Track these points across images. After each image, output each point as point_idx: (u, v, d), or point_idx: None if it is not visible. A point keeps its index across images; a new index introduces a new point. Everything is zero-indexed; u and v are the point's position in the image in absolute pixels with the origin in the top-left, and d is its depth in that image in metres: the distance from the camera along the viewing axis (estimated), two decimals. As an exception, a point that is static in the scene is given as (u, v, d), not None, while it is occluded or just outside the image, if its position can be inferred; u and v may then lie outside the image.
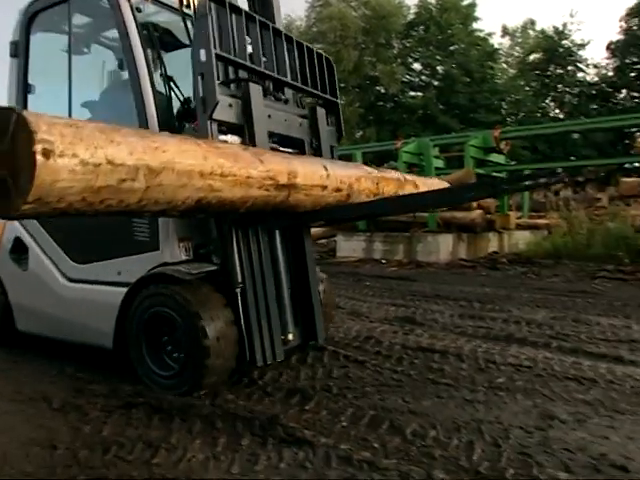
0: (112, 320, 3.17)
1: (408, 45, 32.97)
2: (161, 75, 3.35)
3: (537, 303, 5.62)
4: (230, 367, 2.97)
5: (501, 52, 35.60)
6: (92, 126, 1.95)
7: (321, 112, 3.66)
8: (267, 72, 3.27)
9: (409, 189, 3.93)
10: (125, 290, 3.10)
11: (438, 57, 30.91)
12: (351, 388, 3.00)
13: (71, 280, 3.51)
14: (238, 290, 2.98)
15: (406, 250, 9.67)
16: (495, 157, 10.91)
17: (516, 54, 36.48)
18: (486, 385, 3.09)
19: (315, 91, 3.64)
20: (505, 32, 37.53)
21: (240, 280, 2.98)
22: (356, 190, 3.27)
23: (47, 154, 1.72)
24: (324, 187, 2.99)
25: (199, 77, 2.88)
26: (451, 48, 30.95)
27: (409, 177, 4.23)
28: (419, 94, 30.42)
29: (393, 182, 3.77)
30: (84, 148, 1.83)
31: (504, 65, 35.77)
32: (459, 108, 29.48)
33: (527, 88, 32.46)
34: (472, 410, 2.73)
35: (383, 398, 2.90)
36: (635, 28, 29.10)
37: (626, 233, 8.49)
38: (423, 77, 31.77)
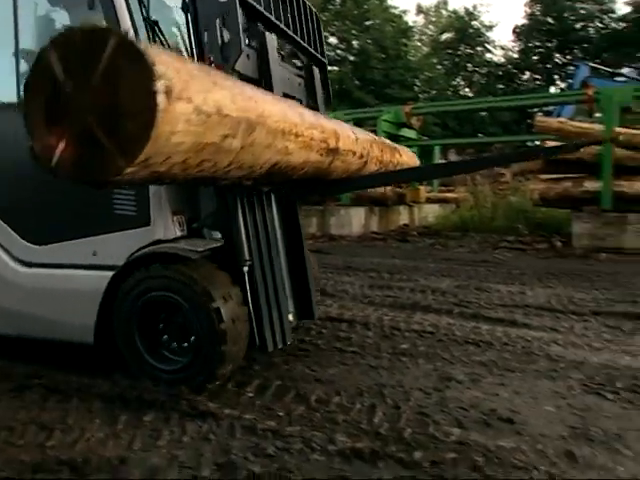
0: (91, 310, 2.66)
1: (325, 19, 32.78)
2: (144, 20, 2.75)
3: (443, 273, 5.87)
4: (243, 354, 2.65)
5: (415, 30, 36.28)
6: (191, 62, 1.59)
7: (316, 72, 3.37)
8: (277, 23, 2.91)
9: (397, 156, 3.80)
10: (107, 274, 2.64)
11: (354, 32, 31.01)
12: (258, 360, 3.00)
13: (27, 265, 2.89)
14: (246, 268, 2.67)
15: (319, 223, 9.78)
16: (407, 132, 11.16)
17: (429, 33, 37.32)
18: (390, 351, 3.20)
19: (310, 48, 3.33)
20: (419, 10, 38.26)
21: (248, 257, 2.67)
22: (371, 157, 3.04)
23: (168, 96, 1.31)
24: (354, 153, 2.77)
25: (217, 21, 2.48)
26: (367, 23, 31.12)
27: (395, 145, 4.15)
28: (335, 68, 30.51)
29: (390, 149, 3.66)
30: (196, 91, 1.44)
31: (418, 43, 36.51)
32: (374, 84, 29.84)
33: (439, 66, 33.42)
34: (376, 376, 2.82)
35: (290, 368, 2.93)
36: (538, 14, 30.63)
37: (525, 207, 9.00)
38: (339, 51, 31.79)
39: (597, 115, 8.97)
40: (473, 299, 4.58)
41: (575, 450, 2.03)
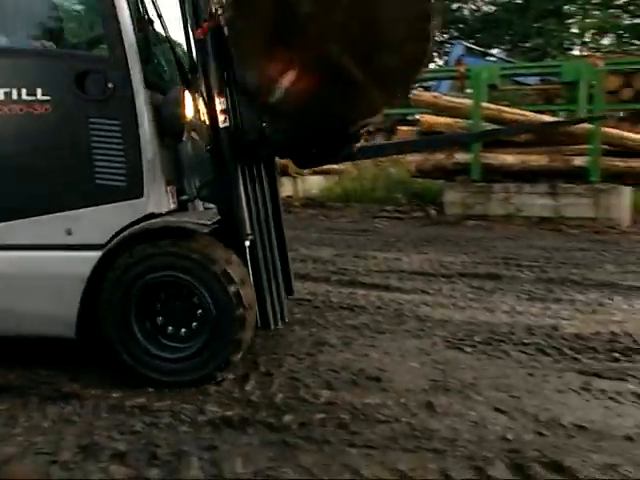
0: (70, 298, 2.28)
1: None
2: None
3: (324, 242, 5.98)
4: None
5: None
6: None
7: None
8: None
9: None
10: (88, 255, 2.27)
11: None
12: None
13: None
14: (247, 243, 2.44)
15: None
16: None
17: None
18: (267, 320, 3.20)
19: None
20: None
21: (249, 231, 2.43)
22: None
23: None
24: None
25: None
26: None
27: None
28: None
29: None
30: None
31: None
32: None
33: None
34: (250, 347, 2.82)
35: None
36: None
37: (404, 178, 9.38)
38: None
39: (468, 91, 9.56)
40: (351, 266, 4.71)
41: (434, 400, 2.17)
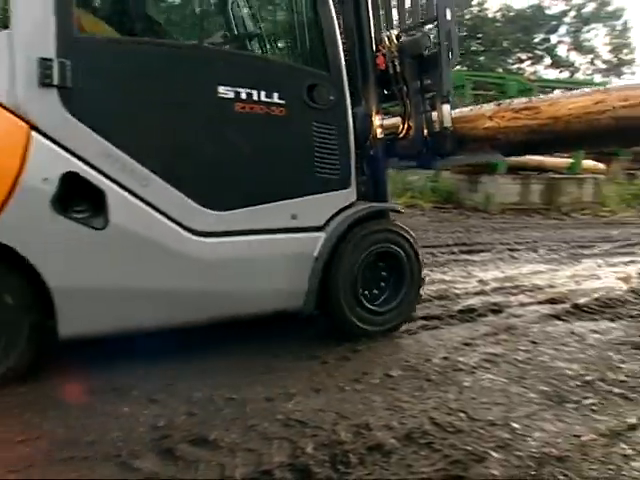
0: (303, 273, 2.62)
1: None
2: None
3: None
4: None
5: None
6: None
7: None
8: None
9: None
10: (313, 235, 2.66)
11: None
12: None
13: (202, 234, 2.42)
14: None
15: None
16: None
17: None
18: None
19: None
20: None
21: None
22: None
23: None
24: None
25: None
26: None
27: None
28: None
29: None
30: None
31: None
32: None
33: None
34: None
35: None
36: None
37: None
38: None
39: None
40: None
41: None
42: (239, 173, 2.54)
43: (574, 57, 31.88)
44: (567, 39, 31.62)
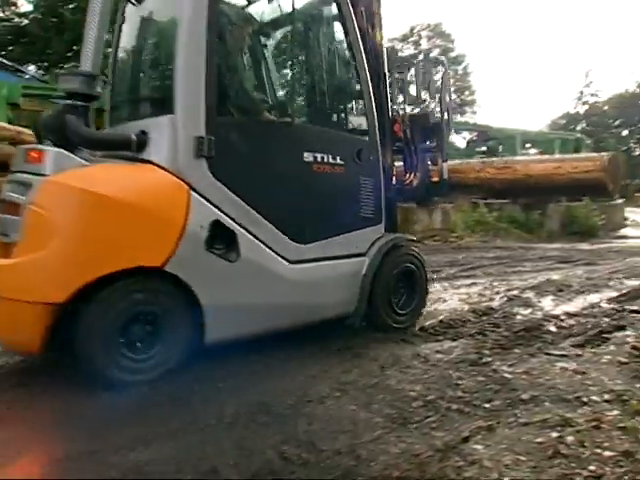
0: (353, 288, 3.57)
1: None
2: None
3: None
4: None
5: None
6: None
7: None
8: None
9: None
10: (361, 259, 3.63)
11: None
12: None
13: (293, 262, 3.29)
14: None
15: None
16: None
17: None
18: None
19: None
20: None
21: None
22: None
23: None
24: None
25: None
26: None
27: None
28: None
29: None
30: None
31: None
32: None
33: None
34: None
35: None
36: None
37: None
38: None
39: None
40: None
41: None
42: (315, 216, 3.46)
43: (424, 96, 34.76)
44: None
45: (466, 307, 4.63)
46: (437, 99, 4.30)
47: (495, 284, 5.69)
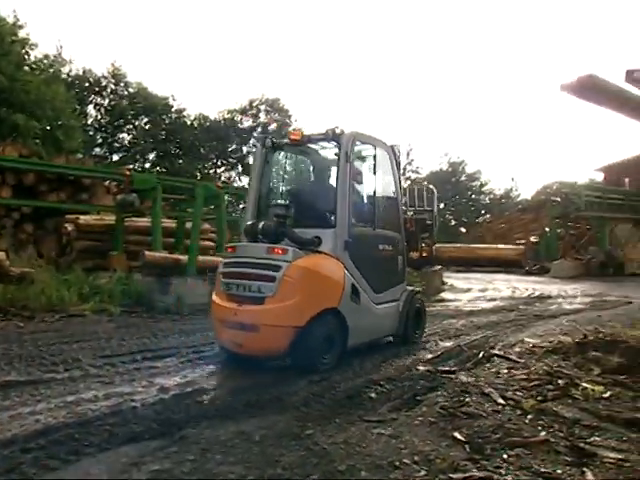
0: (396, 319, 6.07)
1: None
2: None
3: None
4: None
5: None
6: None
7: None
8: None
9: None
10: (399, 302, 6.14)
11: None
12: None
13: (376, 304, 5.70)
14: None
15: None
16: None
17: None
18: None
19: None
20: None
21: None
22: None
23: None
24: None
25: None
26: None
27: None
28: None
29: None
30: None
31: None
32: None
33: None
34: None
35: None
36: None
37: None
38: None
39: None
40: None
41: None
42: (383, 278, 5.81)
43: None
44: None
45: (296, 374, 4.68)
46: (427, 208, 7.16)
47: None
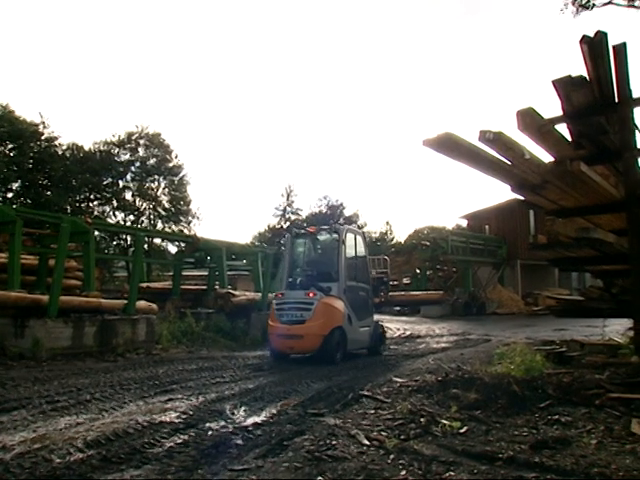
0: (369, 338, 10.31)
1: None
2: None
3: None
4: None
5: None
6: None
7: None
8: None
9: None
10: (370, 327, 10.42)
11: None
12: None
13: (359, 326, 9.83)
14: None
15: None
16: None
17: None
18: None
19: None
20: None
21: None
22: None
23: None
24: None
25: None
26: None
27: None
28: None
29: None
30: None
31: None
32: None
33: None
34: None
35: None
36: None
37: None
38: None
39: None
40: None
41: None
42: (362, 311, 10.11)
43: (139, 202, 34.65)
44: (132, 185, 34.37)
45: (163, 424, 4.44)
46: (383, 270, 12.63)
47: (192, 399, 5.63)
